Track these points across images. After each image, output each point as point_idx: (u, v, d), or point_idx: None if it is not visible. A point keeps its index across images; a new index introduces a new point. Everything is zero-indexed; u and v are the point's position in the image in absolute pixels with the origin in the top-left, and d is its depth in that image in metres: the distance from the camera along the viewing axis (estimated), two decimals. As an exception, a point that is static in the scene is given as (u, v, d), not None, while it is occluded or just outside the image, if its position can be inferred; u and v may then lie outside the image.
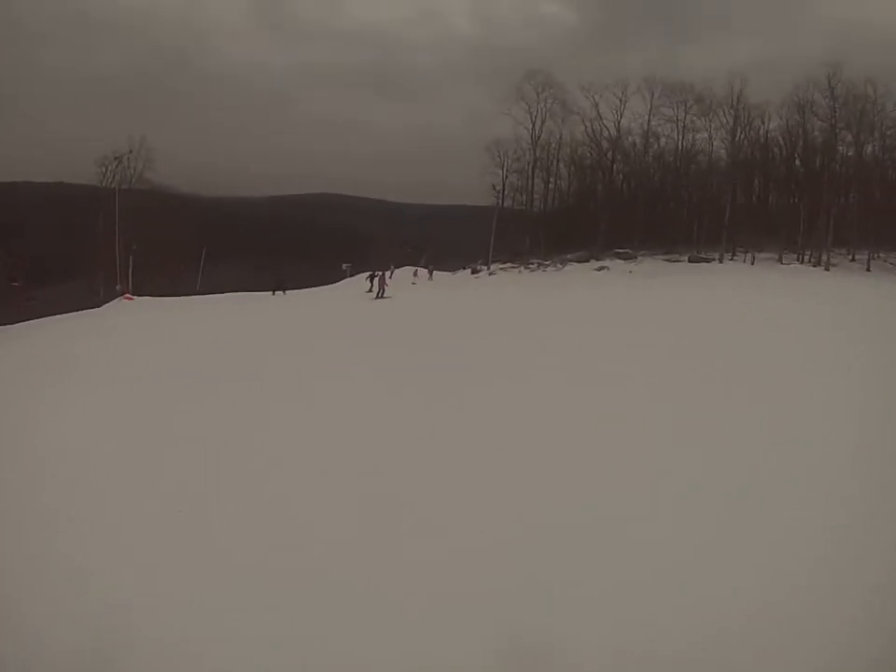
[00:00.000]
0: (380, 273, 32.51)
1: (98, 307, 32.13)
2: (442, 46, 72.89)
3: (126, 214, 38.32)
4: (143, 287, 35.99)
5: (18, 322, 26.94)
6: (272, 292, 34.46)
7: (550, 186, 45.29)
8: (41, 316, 27.94)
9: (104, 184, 41.05)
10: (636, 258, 38.07)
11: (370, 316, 22.92)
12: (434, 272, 42.26)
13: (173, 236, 40.32)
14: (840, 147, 37.53)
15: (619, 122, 42.46)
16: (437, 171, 58.16)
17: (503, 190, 44.20)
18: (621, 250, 38.57)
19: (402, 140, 63.46)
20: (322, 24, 73.16)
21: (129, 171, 42.10)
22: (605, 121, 42.42)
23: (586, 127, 42.84)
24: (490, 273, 41.64)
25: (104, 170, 41.04)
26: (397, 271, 38.99)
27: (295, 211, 59.02)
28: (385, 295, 29.98)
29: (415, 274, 41.18)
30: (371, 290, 32.01)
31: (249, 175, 59.33)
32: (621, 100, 41.90)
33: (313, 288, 39.49)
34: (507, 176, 44.12)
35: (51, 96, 56.04)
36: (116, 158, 39.68)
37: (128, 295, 34.98)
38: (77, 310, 30.04)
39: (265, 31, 73.65)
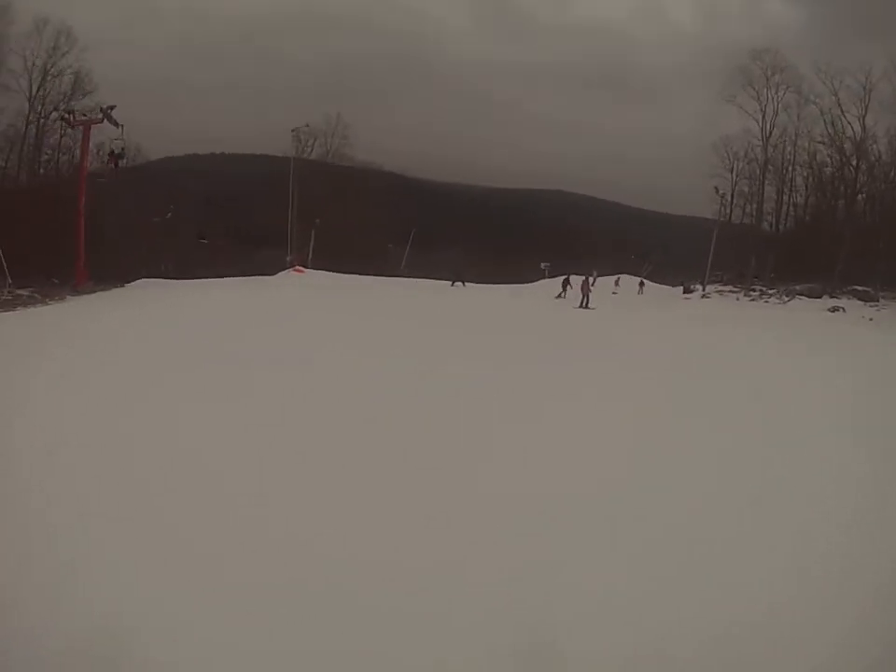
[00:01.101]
0: (583, 277, 28.91)
1: (272, 275, 32.37)
2: (666, 44, 66.51)
3: (313, 187, 38.08)
4: (325, 262, 35.32)
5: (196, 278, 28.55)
6: (450, 283, 32.99)
7: (784, 197, 37.53)
8: (223, 276, 29.26)
9: (304, 155, 41.27)
10: (877, 300, 29.66)
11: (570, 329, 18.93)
12: (645, 285, 37.72)
13: (372, 214, 39.58)
14: None
15: (863, 117, 33.45)
16: (661, 176, 52.55)
17: (731, 198, 37.66)
18: (860, 288, 30.26)
19: (626, 141, 58.56)
20: (545, 22, 69.95)
21: (326, 146, 42.13)
22: (847, 115, 33.69)
23: (825, 121, 34.32)
24: (704, 296, 35.40)
25: (299, 143, 41.04)
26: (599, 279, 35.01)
27: (511, 204, 56.66)
28: (588, 305, 25.67)
29: (616, 284, 37.24)
30: (560, 296, 29.29)
31: (468, 165, 58.12)
32: (864, 87, 32.95)
33: (502, 286, 36.77)
34: (736, 182, 37.58)
35: (290, 86, 58.97)
36: (293, 130, 39.29)
37: (298, 267, 34.66)
38: (254, 275, 30.57)
39: (489, 29, 72.33)
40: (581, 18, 73.31)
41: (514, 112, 65.15)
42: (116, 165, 29.69)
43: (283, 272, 34.04)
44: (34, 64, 32.74)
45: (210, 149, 49.37)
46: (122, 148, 29.35)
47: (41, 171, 34.16)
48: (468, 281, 34.07)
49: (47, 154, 34.34)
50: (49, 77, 33.06)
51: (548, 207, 56.34)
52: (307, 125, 39.65)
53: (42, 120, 33.19)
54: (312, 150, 41.72)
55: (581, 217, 56.12)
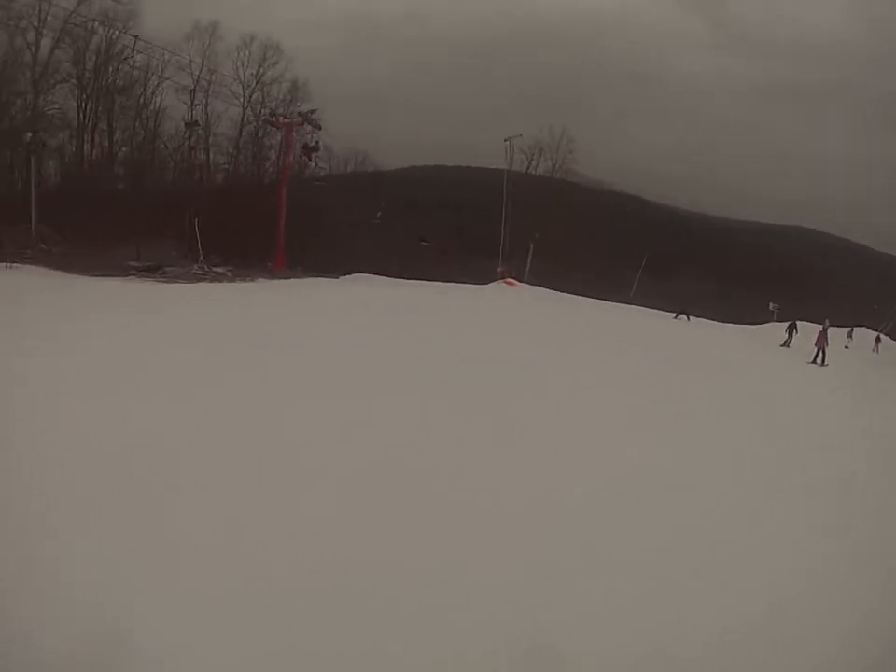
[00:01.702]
0: (821, 327, 25.55)
1: (483, 284, 32.61)
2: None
3: (536, 201, 37.90)
4: (542, 278, 34.75)
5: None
6: (675, 315, 31.26)
7: None
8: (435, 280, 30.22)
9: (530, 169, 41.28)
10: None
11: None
12: (881, 342, 33.51)
13: (598, 234, 38.81)
14: None
15: None
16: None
17: None
18: None
19: (880, 177, 51.28)
20: (784, 38, 62.98)
21: (552, 160, 41.91)
22: None
23: None
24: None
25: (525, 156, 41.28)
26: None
27: (756, 239, 52.37)
28: (823, 361, 21.80)
29: (849, 336, 32.65)
30: (785, 344, 26.54)
31: (698, 190, 54.42)
32: None
33: (726, 324, 33.78)
34: None
35: (522, 99, 58.86)
36: (506, 140, 39.10)
37: (510, 280, 34.45)
38: (466, 282, 31.25)
39: (722, 44, 67.25)
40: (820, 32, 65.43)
41: (750, 136, 60.36)
42: (309, 158, 35.43)
43: (494, 283, 34.18)
44: (245, 75, 37.14)
45: (457, 162, 51.15)
46: (316, 142, 34.77)
47: (258, 168, 38.56)
48: (693, 315, 31.61)
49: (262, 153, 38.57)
50: (259, 86, 37.32)
51: (784, 244, 51.59)
52: (520, 135, 39.71)
53: (259, 123, 37.33)
54: (538, 164, 42.04)
55: (819, 258, 50.89)
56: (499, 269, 36.12)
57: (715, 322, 33.47)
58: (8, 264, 25.48)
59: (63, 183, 34.34)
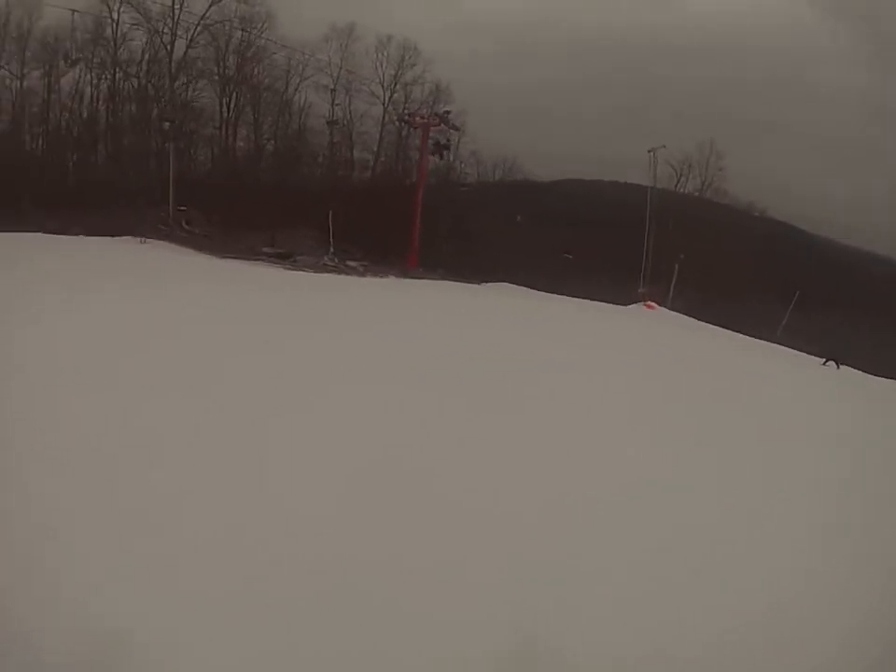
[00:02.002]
0: None
1: (624, 305, 31.00)
2: None
3: (681, 220, 36.12)
4: (685, 303, 32.50)
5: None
6: (822, 362, 27.17)
7: None
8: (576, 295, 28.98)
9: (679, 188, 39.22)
10: None
11: None
12: None
13: (748, 263, 36.34)
14: None
15: None
16: None
17: None
18: None
19: None
20: None
21: (701, 177, 40.06)
22: None
23: None
24: None
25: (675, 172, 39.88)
26: None
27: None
28: None
29: None
30: None
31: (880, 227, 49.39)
32: None
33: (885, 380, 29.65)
34: None
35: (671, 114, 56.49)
36: (649, 151, 37.64)
37: (650, 303, 32.45)
38: (603, 300, 29.52)
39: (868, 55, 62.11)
40: None
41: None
42: (441, 156, 35.89)
43: (634, 304, 32.37)
44: (384, 76, 37.60)
45: (601, 175, 49.36)
46: (447, 139, 35.46)
47: (400, 167, 39.12)
48: (843, 363, 27.83)
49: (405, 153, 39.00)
50: (400, 87, 37.81)
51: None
52: (663, 146, 37.83)
53: (401, 123, 37.75)
54: (686, 181, 40.19)
55: None
56: (641, 290, 34.38)
57: (871, 375, 29.44)
58: (143, 239, 27.00)
59: (213, 170, 35.80)
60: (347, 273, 28.13)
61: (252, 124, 36.13)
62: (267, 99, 35.76)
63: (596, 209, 43.01)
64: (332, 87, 36.30)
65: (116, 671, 3.83)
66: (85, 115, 33.62)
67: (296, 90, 36.31)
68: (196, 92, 34.82)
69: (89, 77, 33.34)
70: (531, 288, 29.87)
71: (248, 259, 26.44)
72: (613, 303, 30.10)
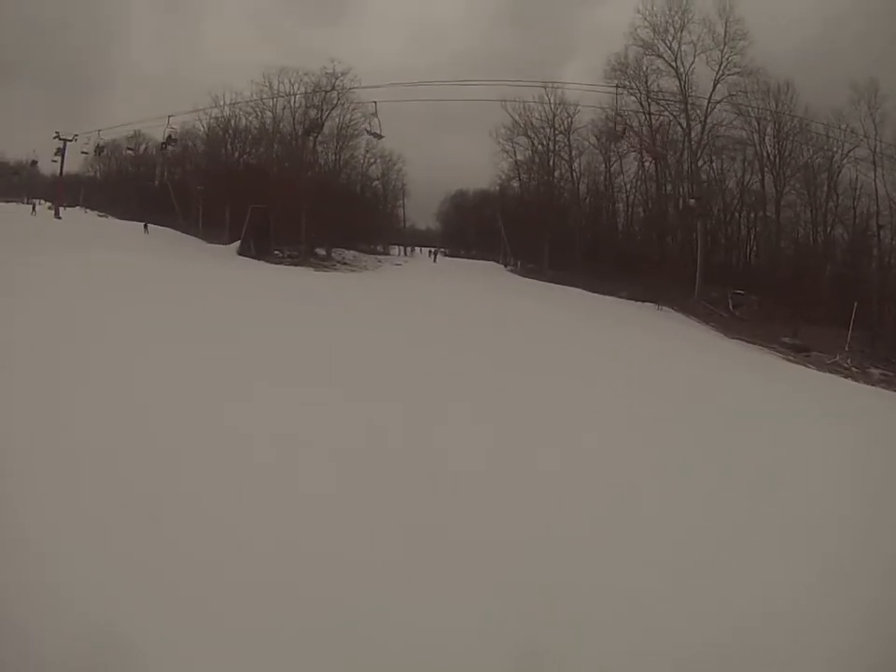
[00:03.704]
0: None
1: None
2: None
3: None
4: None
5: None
6: None
7: None
8: None
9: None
10: None
11: None
12: None
13: None
14: None
15: None
16: None
17: None
18: None
19: None
20: None
21: None
22: None
23: None
24: None
25: None
26: None
27: None
28: None
29: None
30: None
31: None
32: None
33: None
34: None
35: None
36: None
37: None
38: None
39: None
40: None
41: None
42: None
43: None
44: None
45: None
46: None
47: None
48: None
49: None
50: None
51: None
52: None
53: None
54: None
55: None
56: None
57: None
58: (660, 307, 29.00)
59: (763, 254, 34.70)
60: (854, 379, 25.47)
61: (802, 205, 33.50)
62: (812, 179, 32.87)
63: None
64: (872, 160, 31.79)
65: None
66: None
67: (838, 167, 33.96)
68: (720, 174, 35.37)
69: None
70: None
71: (760, 346, 26.31)
72: None
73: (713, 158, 35.28)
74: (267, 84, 32.87)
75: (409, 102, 28.11)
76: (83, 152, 32.44)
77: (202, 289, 17.70)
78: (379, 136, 29.81)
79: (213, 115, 33.05)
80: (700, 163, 34.90)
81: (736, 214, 34.72)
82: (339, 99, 32.73)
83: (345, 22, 35.79)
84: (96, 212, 34.65)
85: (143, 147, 34.54)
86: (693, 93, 34.36)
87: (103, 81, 32.07)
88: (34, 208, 32.43)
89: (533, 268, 33.49)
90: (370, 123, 29.56)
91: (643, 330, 22.96)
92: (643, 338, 21.05)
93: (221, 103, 32.51)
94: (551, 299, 27.55)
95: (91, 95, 32.32)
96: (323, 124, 32.76)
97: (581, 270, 31.13)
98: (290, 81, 32.72)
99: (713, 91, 34.03)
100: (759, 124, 34.28)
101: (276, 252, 31.37)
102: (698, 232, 32.85)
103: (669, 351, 19.55)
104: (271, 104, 33.11)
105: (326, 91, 32.82)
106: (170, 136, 32.23)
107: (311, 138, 32.95)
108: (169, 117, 30.98)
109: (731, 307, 29.99)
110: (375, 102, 28.43)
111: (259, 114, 33.38)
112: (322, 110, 32.88)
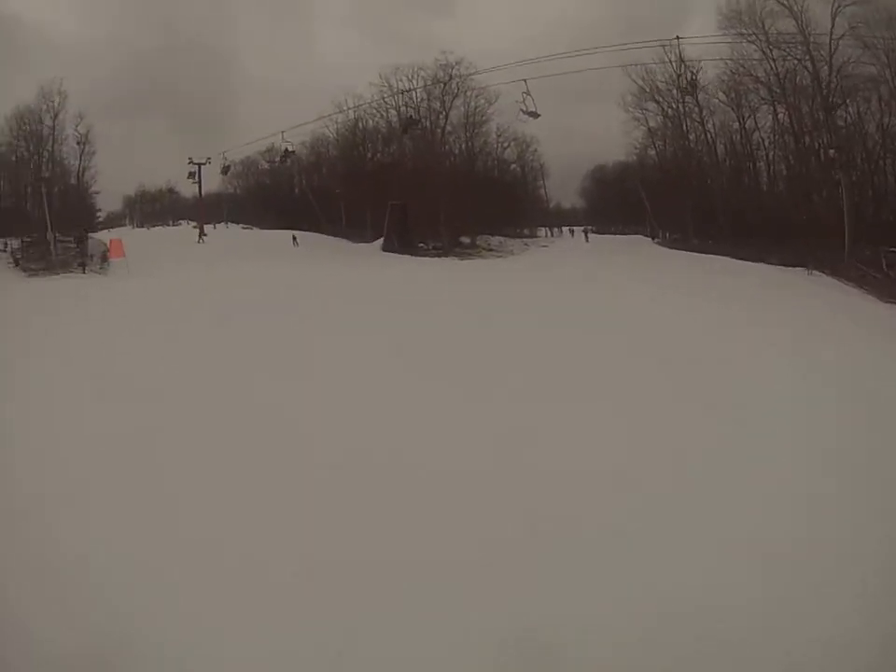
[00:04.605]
0: None
1: None
2: None
3: None
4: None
5: None
6: None
7: None
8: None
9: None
10: None
11: None
12: None
13: None
14: None
15: None
16: None
17: None
18: None
19: None
20: None
21: None
22: None
23: None
24: None
25: None
26: None
27: None
28: None
29: None
30: None
31: None
32: None
33: None
34: None
35: None
36: None
37: None
38: None
39: None
40: None
41: None
42: None
43: None
44: None
45: None
46: None
47: None
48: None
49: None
50: None
51: None
52: None
53: None
54: None
55: None
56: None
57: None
58: (810, 271, 28.21)
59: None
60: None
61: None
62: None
63: None
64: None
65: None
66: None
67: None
68: (857, 118, 33.68)
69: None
70: None
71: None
72: None
73: (847, 101, 33.62)
74: (385, 83, 34.01)
75: (532, 80, 28.28)
76: (222, 171, 34.44)
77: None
78: (536, 115, 29.17)
79: (338, 120, 34.27)
80: (835, 109, 33.70)
81: (881, 162, 32.42)
82: (459, 88, 33.31)
83: (459, 9, 35.78)
84: (240, 225, 36.47)
85: (277, 158, 36.12)
86: (814, 31, 32.59)
87: (227, 100, 33.42)
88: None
89: (678, 238, 33.15)
90: (525, 103, 28.94)
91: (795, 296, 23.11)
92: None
93: (345, 107, 33.63)
94: (691, 274, 27.62)
95: (218, 115, 33.75)
96: (419, 120, 33.19)
97: (726, 236, 30.71)
98: (408, 77, 33.58)
99: (832, 25, 32.17)
100: (888, 57, 32.26)
101: (420, 245, 32.52)
102: (843, 186, 31.26)
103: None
104: (393, 101, 34.01)
105: (444, 83, 33.38)
106: (286, 150, 33.30)
107: (406, 135, 33.60)
108: (282, 132, 32.02)
109: (884, 267, 29.01)
110: (525, 80, 28.05)
111: (384, 113, 34.43)
112: (444, 102, 33.48)
